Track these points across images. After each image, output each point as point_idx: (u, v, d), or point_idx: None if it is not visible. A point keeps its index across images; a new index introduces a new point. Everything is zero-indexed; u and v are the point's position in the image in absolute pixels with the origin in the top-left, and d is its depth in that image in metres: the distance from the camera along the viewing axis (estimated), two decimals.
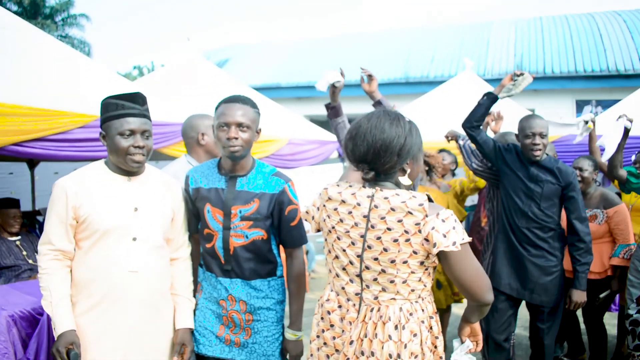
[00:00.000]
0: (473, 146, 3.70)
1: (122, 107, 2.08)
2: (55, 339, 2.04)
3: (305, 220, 2.13)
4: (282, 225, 2.39)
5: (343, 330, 1.91)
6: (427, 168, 4.22)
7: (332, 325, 1.95)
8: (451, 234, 1.73)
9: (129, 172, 2.19)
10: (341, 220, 1.87)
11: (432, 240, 1.73)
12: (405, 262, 1.78)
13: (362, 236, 1.83)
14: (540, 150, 3.21)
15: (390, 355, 1.77)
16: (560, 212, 3.28)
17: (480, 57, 13.43)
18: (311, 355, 2.03)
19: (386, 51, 14.85)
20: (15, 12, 23.80)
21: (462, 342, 1.95)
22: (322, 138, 6.91)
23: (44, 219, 6.24)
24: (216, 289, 2.39)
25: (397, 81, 13.73)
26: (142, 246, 2.16)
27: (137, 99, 2.13)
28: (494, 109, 3.94)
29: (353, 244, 1.85)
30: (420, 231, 1.75)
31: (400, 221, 1.77)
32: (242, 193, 2.33)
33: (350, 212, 1.85)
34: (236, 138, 2.24)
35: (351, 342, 1.84)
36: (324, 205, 1.95)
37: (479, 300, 1.79)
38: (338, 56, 15.09)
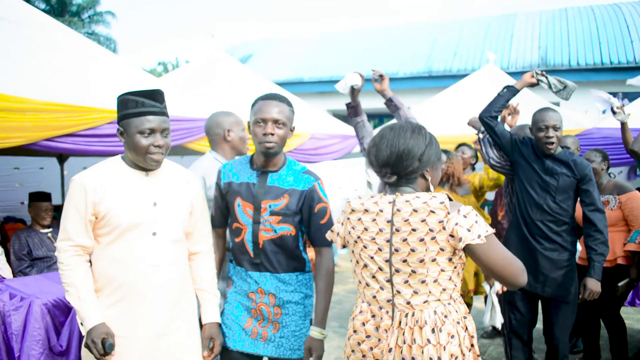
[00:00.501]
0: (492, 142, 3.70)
1: (142, 104, 2.05)
2: (84, 333, 2.02)
3: (331, 239, 2.11)
4: (311, 223, 2.41)
5: (379, 339, 1.92)
6: (447, 175, 4.25)
7: (368, 336, 1.96)
8: (475, 227, 1.77)
9: (147, 168, 2.16)
10: (366, 229, 1.91)
11: (457, 236, 1.77)
12: (434, 260, 1.82)
13: (387, 241, 1.86)
14: (553, 143, 3.20)
15: (431, 359, 1.79)
16: (574, 205, 3.25)
17: (504, 50, 13.29)
18: None
19: (409, 45, 14.78)
20: (43, 10, 24.28)
21: None
22: (344, 132, 6.95)
23: None
24: (246, 282, 2.42)
25: (420, 75, 13.66)
26: (162, 241, 2.14)
27: (157, 97, 2.10)
28: (513, 102, 3.94)
29: (380, 249, 1.88)
30: (444, 228, 1.79)
31: (423, 221, 1.81)
32: (273, 188, 2.37)
33: (374, 220, 1.90)
34: (272, 134, 2.28)
35: (390, 350, 1.86)
36: (348, 218, 1.98)
37: (514, 285, 1.85)
38: (360, 50, 15.09)
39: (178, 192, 2.23)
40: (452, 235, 1.79)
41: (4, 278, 3.54)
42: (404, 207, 1.84)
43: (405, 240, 1.83)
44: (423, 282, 1.84)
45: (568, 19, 13.68)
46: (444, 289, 1.86)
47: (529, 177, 3.30)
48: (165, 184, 2.20)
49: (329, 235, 2.13)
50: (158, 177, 2.19)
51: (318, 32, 18.99)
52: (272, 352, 2.38)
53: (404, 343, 1.83)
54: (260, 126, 2.30)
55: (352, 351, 2.00)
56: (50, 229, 4.42)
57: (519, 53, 13.04)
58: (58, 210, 5.60)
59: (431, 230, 1.80)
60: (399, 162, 1.86)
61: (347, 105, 3.29)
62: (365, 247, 1.92)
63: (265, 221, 2.35)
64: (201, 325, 2.34)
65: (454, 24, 15.68)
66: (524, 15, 14.86)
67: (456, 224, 1.78)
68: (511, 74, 11.04)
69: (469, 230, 1.77)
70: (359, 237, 1.94)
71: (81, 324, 2.04)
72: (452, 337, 1.83)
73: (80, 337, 2.99)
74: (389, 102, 3.21)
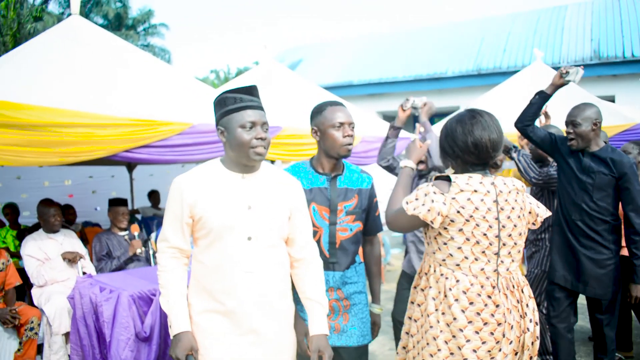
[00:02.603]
0: (528, 157, 3.73)
1: (240, 100, 2.03)
2: (171, 337, 2.00)
3: (425, 219, 2.08)
4: (370, 216, 2.63)
5: (497, 305, 2.08)
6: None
7: (485, 305, 2.08)
8: (539, 204, 2.28)
9: (244, 169, 2.10)
10: (477, 208, 2.07)
11: (535, 212, 2.23)
12: (524, 232, 2.20)
13: (496, 218, 2.09)
14: (573, 139, 3.22)
15: (534, 310, 2.19)
16: (616, 203, 3.21)
17: (555, 44, 13.13)
18: (468, 341, 2.06)
19: (457, 43, 14.79)
20: (102, 25, 25.49)
21: None
22: None
23: (142, 217, 6.96)
24: None
25: (468, 73, 13.67)
26: (257, 245, 2.06)
27: (254, 91, 2.08)
28: (553, 105, 3.99)
29: (490, 227, 2.09)
30: (525, 206, 2.20)
31: (516, 200, 2.15)
32: (344, 190, 2.53)
33: (482, 200, 2.08)
34: (352, 136, 2.45)
35: (510, 311, 2.12)
36: (454, 198, 2.07)
37: None
38: (408, 50, 15.22)
39: (275, 196, 2.14)
40: (530, 212, 2.23)
41: (91, 275, 3.99)
42: (503, 188, 2.13)
43: (509, 217, 2.13)
44: (518, 251, 2.19)
45: (621, 9, 13.37)
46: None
47: (568, 176, 3.31)
48: (261, 187, 2.12)
49: (427, 216, 2.06)
50: (254, 180, 2.12)
51: (366, 34, 19.13)
52: (347, 342, 2.53)
53: (518, 302, 2.16)
54: (340, 129, 2.43)
55: (470, 322, 2.07)
56: (127, 232, 4.86)
57: (571, 46, 12.85)
58: (130, 215, 6.08)
59: (521, 208, 2.17)
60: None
61: (392, 125, 3.58)
62: (477, 225, 2.08)
63: (342, 222, 2.52)
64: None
65: (503, 19, 15.55)
66: (575, 6, 14.58)
67: (530, 203, 2.23)
68: None
69: (539, 207, 2.26)
70: (471, 216, 2.07)
71: (170, 326, 2.02)
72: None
73: (161, 324, 3.38)
74: (393, 129, 3.58)
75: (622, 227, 3.25)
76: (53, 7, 23.66)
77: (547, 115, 4.09)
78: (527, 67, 8.19)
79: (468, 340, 2.05)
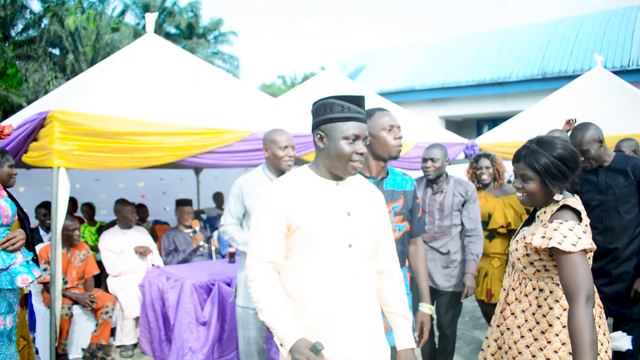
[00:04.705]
0: None
1: (347, 109, 1.95)
2: (286, 353, 1.83)
3: (593, 248, 2.07)
4: (413, 216, 2.69)
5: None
6: (494, 176, 4.23)
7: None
8: None
9: (337, 177, 2.03)
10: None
11: None
12: None
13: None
14: (587, 164, 3.14)
15: None
16: None
17: (624, 46, 12.74)
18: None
19: (522, 47, 14.59)
20: (174, 34, 26.75)
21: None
22: (448, 140, 7.29)
23: (207, 217, 7.45)
24: None
25: (533, 77, 13.43)
26: (358, 253, 2.00)
27: (361, 102, 2.00)
28: (572, 115, 3.98)
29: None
30: None
31: None
32: (391, 192, 2.58)
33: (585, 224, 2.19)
34: (401, 138, 2.52)
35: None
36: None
37: None
38: (472, 55, 15.14)
39: (368, 204, 2.10)
40: None
41: (159, 266, 4.44)
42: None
43: None
44: None
45: None
46: None
47: (588, 198, 3.19)
48: (355, 194, 2.08)
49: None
50: (348, 187, 2.07)
51: (428, 40, 19.16)
52: (392, 342, 2.51)
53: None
54: (391, 132, 2.49)
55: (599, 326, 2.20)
56: (192, 229, 5.31)
57: None
58: (196, 215, 6.56)
59: None
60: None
61: None
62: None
63: (391, 222, 2.55)
64: None
65: (570, 22, 15.18)
66: None
67: None
68: (631, 71, 10.62)
69: None
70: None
71: (280, 344, 1.86)
72: None
73: (219, 311, 3.76)
74: None
75: None
76: (129, 18, 25.14)
77: (569, 123, 4.14)
78: (586, 72, 8.10)
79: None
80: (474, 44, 16.03)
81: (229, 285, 3.97)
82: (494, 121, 14.74)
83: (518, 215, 3.97)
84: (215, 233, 5.65)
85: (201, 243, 5.09)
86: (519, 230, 2.36)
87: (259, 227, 1.96)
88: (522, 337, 2.21)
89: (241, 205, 3.22)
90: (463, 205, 3.64)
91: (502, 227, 3.94)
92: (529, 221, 2.35)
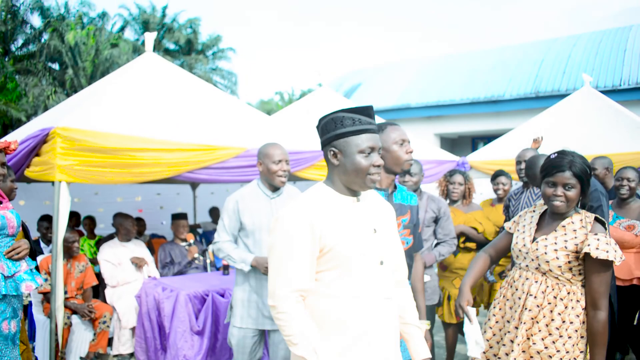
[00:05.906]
0: None
1: (359, 121, 1.89)
2: None
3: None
4: (415, 231, 2.74)
5: None
6: (464, 194, 4.45)
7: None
8: None
9: (354, 193, 1.98)
10: None
11: None
12: None
13: None
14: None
15: None
16: None
17: (616, 66, 12.97)
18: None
19: (516, 65, 14.83)
20: (173, 50, 27.04)
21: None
22: (439, 158, 7.45)
23: (202, 231, 7.57)
24: None
25: (527, 96, 13.64)
26: (387, 269, 1.97)
27: (371, 113, 1.94)
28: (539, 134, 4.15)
29: None
30: None
31: None
32: (399, 205, 2.63)
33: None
34: (412, 152, 2.56)
35: None
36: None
37: None
38: (466, 73, 15.37)
39: (386, 218, 2.07)
40: None
41: (156, 277, 4.59)
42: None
43: None
44: None
45: None
46: None
47: None
48: (375, 210, 2.04)
49: (623, 258, 2.35)
50: (367, 203, 2.02)
51: (422, 57, 19.43)
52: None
53: None
54: (403, 146, 2.53)
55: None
56: (187, 242, 5.46)
57: (632, 68, 12.67)
58: (192, 229, 6.70)
59: None
60: None
61: None
62: None
63: (400, 235, 2.57)
64: None
65: (563, 41, 15.45)
66: (638, 27, 14.33)
67: None
68: (623, 90, 10.81)
69: None
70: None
71: None
72: None
73: (212, 321, 3.90)
74: None
75: None
76: (129, 34, 25.44)
77: (536, 141, 4.33)
78: (573, 93, 8.30)
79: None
80: (469, 62, 16.24)
81: (222, 296, 4.10)
82: (489, 138, 14.89)
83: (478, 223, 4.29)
84: (211, 247, 5.79)
85: (196, 255, 5.25)
86: (536, 239, 2.48)
87: (287, 251, 1.85)
88: (568, 337, 2.37)
89: (237, 221, 3.22)
90: (435, 222, 3.78)
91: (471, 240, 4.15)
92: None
